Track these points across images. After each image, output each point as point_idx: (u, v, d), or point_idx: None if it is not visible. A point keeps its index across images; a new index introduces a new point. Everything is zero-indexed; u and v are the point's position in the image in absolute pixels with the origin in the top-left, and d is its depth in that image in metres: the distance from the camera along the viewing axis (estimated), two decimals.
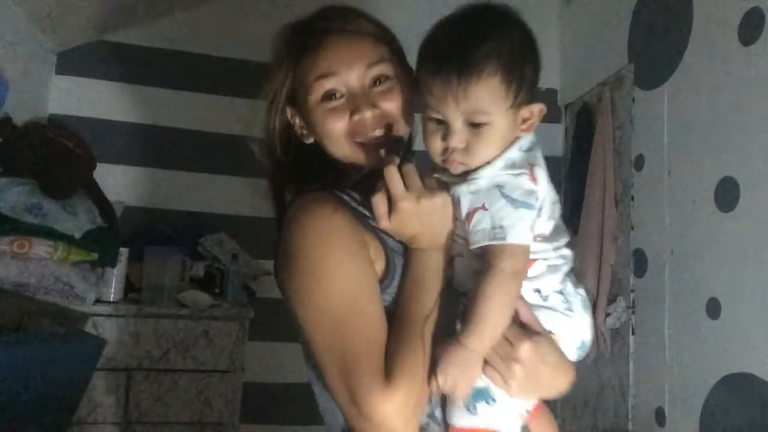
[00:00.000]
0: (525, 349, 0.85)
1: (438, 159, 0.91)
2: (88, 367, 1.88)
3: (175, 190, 2.82)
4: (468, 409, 0.87)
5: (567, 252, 0.94)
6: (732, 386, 1.86)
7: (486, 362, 0.87)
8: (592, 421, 2.67)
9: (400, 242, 0.95)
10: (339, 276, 0.87)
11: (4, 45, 2.25)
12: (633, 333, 2.41)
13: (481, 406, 0.87)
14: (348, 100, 0.96)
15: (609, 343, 2.52)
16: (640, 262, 2.39)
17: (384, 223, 0.91)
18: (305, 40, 0.98)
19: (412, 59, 0.98)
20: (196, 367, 2.32)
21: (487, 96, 0.85)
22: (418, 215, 0.89)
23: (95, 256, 2.24)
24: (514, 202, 0.85)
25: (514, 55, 0.86)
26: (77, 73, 2.77)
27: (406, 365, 0.84)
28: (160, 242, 2.52)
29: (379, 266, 0.92)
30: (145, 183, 2.80)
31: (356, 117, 0.95)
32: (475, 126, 0.86)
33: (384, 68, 0.97)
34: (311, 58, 0.97)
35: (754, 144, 1.83)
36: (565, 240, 0.94)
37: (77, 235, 2.17)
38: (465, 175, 0.90)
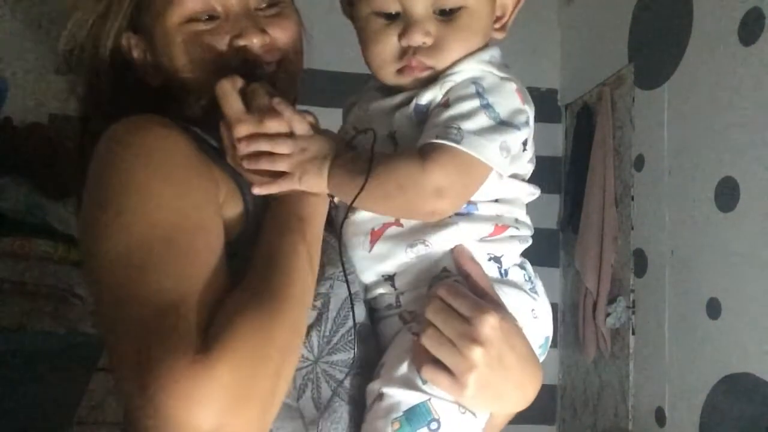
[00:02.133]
0: (489, 324, 0.59)
1: (390, 69, 0.67)
2: (88, 367, 1.88)
3: None
4: None
5: (529, 222, 0.73)
6: (732, 386, 1.86)
7: (426, 357, 0.60)
8: (592, 421, 2.66)
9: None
10: (156, 205, 0.59)
11: (4, 45, 2.25)
12: (633, 333, 2.40)
13: None
14: (225, 23, 0.69)
15: (609, 343, 2.52)
16: (640, 262, 2.39)
17: (230, 159, 0.65)
18: None
19: None
20: None
21: None
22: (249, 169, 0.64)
23: None
24: (488, 107, 0.63)
25: None
26: (77, 73, 2.77)
27: (244, 331, 0.53)
28: None
29: (232, 211, 0.65)
30: None
31: (239, 43, 0.68)
32: (446, 13, 0.64)
33: None
34: None
35: (754, 144, 1.83)
36: (535, 195, 0.74)
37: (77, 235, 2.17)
38: (415, 89, 0.67)
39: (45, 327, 1.87)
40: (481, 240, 0.68)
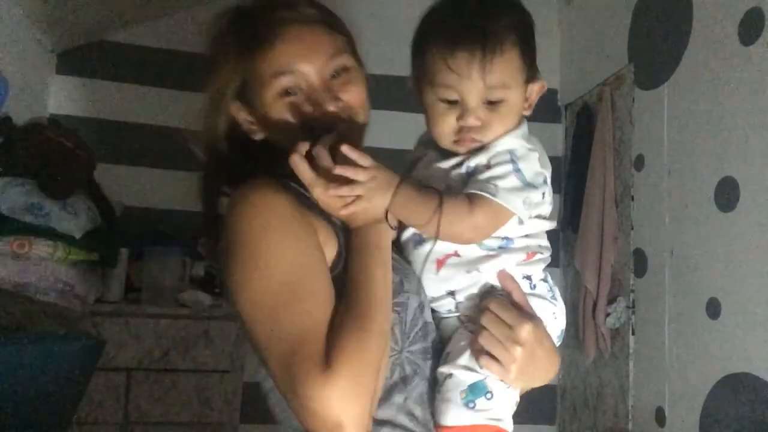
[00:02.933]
0: (526, 330, 0.84)
1: (449, 140, 0.90)
2: (88, 367, 1.88)
3: (175, 190, 2.82)
4: (467, 406, 0.85)
5: (549, 245, 0.96)
6: (732, 386, 1.86)
7: (482, 351, 0.85)
8: (592, 421, 2.66)
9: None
10: (280, 259, 0.81)
11: (4, 45, 2.25)
12: (633, 333, 2.41)
13: (481, 401, 0.85)
14: (309, 94, 0.91)
15: (609, 343, 2.52)
16: (640, 262, 2.39)
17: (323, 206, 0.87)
18: (257, 32, 0.92)
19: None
20: (196, 367, 2.32)
21: (509, 69, 0.86)
22: (333, 197, 0.85)
23: (95, 256, 2.24)
24: (518, 171, 0.86)
25: (528, 27, 0.90)
26: (77, 73, 2.77)
27: (350, 348, 0.76)
28: (160, 242, 2.52)
29: (330, 251, 0.87)
30: (145, 183, 2.80)
31: (319, 112, 0.90)
32: (491, 103, 0.87)
33: (343, 60, 0.94)
34: (266, 53, 0.91)
35: (754, 144, 1.83)
36: (553, 226, 0.96)
37: (77, 235, 2.17)
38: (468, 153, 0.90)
39: (45, 327, 1.87)
40: (517, 264, 0.91)
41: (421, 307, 0.91)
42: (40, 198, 2.12)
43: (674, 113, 2.24)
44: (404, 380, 0.87)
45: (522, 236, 0.92)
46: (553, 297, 0.94)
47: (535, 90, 0.93)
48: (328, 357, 0.75)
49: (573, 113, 3.02)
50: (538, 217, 0.93)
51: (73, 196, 2.25)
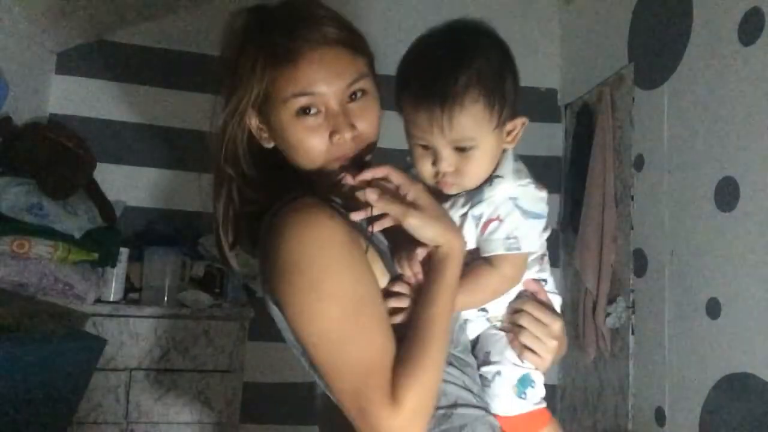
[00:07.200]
0: (558, 326, 0.97)
1: (431, 181, 0.93)
2: (88, 367, 1.88)
3: (175, 190, 2.82)
4: (519, 397, 0.96)
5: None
6: (732, 386, 1.86)
7: (525, 347, 0.96)
8: (592, 421, 2.66)
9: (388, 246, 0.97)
10: (341, 289, 0.85)
11: (4, 45, 2.25)
12: (633, 333, 2.41)
13: (529, 391, 0.97)
14: (326, 118, 0.92)
15: (609, 343, 2.52)
16: (640, 262, 2.39)
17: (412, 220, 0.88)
18: (278, 49, 0.91)
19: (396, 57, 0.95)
20: (196, 367, 2.32)
21: (472, 123, 0.86)
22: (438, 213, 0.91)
23: (95, 256, 2.24)
24: (526, 213, 0.91)
25: (494, 76, 0.87)
26: (77, 73, 2.77)
27: (414, 376, 0.83)
28: (160, 242, 2.52)
29: (375, 265, 0.91)
30: (145, 183, 2.80)
31: (335, 138, 0.91)
32: (463, 150, 0.88)
33: (362, 84, 0.94)
34: (287, 72, 0.91)
35: (754, 144, 1.83)
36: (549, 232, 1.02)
37: (77, 235, 2.17)
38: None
39: (45, 327, 1.87)
40: (538, 272, 1.02)
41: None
42: (40, 198, 2.12)
43: (674, 113, 2.24)
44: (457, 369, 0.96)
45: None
46: (554, 288, 1.05)
47: (518, 125, 0.94)
48: (394, 387, 0.82)
49: (573, 113, 3.02)
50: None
51: (73, 196, 2.25)
